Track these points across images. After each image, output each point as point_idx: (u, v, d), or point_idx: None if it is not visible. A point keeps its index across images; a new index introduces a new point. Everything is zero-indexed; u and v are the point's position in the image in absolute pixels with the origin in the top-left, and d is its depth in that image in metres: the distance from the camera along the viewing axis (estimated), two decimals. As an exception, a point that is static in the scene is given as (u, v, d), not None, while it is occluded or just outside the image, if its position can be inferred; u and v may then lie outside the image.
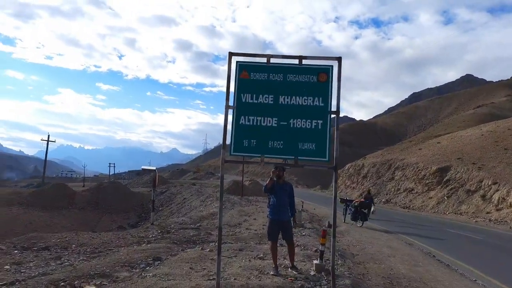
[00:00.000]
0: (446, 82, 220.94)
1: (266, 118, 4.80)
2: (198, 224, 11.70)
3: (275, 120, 4.80)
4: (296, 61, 4.86)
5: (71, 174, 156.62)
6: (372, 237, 12.32)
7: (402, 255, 9.38)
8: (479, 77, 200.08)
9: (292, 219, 6.21)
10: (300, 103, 4.81)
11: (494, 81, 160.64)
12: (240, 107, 4.83)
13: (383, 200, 36.42)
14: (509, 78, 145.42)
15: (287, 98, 4.83)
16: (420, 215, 27.28)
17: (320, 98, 4.79)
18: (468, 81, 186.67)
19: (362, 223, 15.26)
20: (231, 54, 4.74)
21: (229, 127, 4.78)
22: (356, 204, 15.53)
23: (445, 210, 28.58)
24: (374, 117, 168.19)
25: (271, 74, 4.85)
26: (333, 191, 4.58)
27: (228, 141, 4.78)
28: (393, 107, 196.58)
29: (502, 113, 78.50)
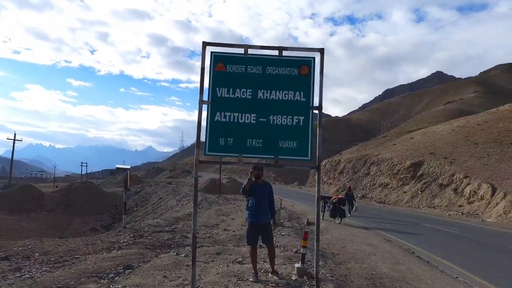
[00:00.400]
0: (418, 78, 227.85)
1: (244, 115, 4.43)
2: (173, 227, 11.19)
3: (254, 117, 4.43)
4: (275, 52, 4.51)
5: (41, 175, 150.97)
6: (351, 234, 12.21)
7: (382, 253, 9.26)
8: (449, 74, 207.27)
9: (272, 221, 5.86)
10: (281, 98, 4.46)
11: (463, 78, 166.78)
12: (216, 102, 4.43)
13: (359, 195, 36.85)
14: (477, 75, 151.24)
15: (267, 92, 4.47)
16: (395, 209, 27.73)
17: (302, 93, 4.46)
18: (438, 78, 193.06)
19: (341, 220, 15.18)
20: (205, 44, 4.32)
21: (203, 124, 4.36)
22: (334, 201, 15.43)
23: (419, 204, 29.21)
24: (348, 113, 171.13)
25: (249, 67, 4.48)
26: (316, 191, 4.27)
27: (202, 140, 4.38)
28: (367, 103, 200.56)
29: (470, 109, 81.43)
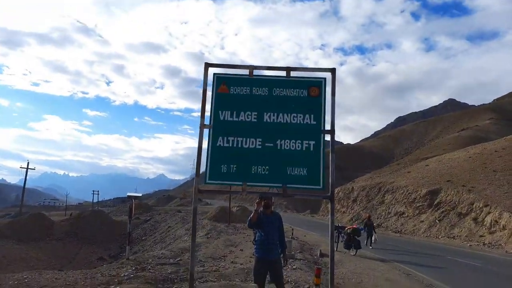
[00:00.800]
0: (430, 106, 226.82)
1: (248, 139, 4.08)
2: (179, 259, 10.66)
3: (259, 141, 4.07)
4: (283, 73, 4.20)
5: (54, 203, 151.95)
6: (368, 268, 11.45)
7: (402, 290, 8.53)
8: (462, 101, 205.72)
9: (282, 256, 5.33)
10: (289, 121, 4.11)
11: (477, 105, 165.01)
12: (218, 126, 4.10)
13: (374, 224, 35.59)
14: (491, 102, 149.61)
15: (273, 115, 4.13)
16: (413, 239, 26.58)
17: (312, 116, 4.11)
18: (451, 105, 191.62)
19: (356, 251, 14.38)
20: (207, 65, 4.05)
21: (205, 149, 4.01)
22: (348, 231, 14.68)
23: (438, 234, 27.96)
24: (361, 141, 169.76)
25: (254, 88, 4.17)
26: (329, 223, 3.81)
27: (203, 166, 4.01)
28: (379, 130, 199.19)
29: (486, 136, 79.72)
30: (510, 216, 23.06)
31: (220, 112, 4.14)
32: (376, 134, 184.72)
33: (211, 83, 4.14)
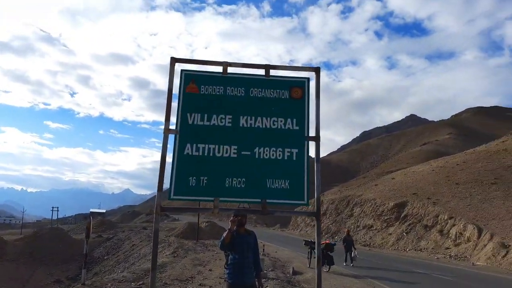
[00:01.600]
0: (393, 121, 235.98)
1: (222, 147, 3.50)
2: (141, 282, 9.72)
3: (235, 149, 3.51)
4: (262, 72, 3.68)
5: (10, 220, 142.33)
6: (342, 286, 11.00)
7: (381, 309, 8.10)
8: (422, 117, 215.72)
9: (257, 281, 4.68)
10: (268, 126, 3.58)
11: (436, 120, 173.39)
12: (186, 131, 3.50)
13: (343, 237, 35.63)
14: (449, 118, 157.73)
15: (251, 119, 3.59)
16: (382, 253, 26.68)
17: (294, 120, 3.60)
18: (412, 120, 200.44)
19: (329, 268, 13.93)
20: (174, 60, 3.46)
21: (170, 159, 3.38)
22: (322, 247, 14.20)
23: (405, 247, 28.27)
24: (328, 155, 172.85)
25: (228, 88, 3.62)
26: (315, 240, 3.27)
27: (168, 180, 3.37)
28: (345, 145, 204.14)
29: (446, 150, 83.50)
30: (474, 228, 23.65)
31: (188, 115, 3.54)
32: (343, 148, 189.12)
33: (179, 82, 3.56)
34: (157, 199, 3.19)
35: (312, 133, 3.58)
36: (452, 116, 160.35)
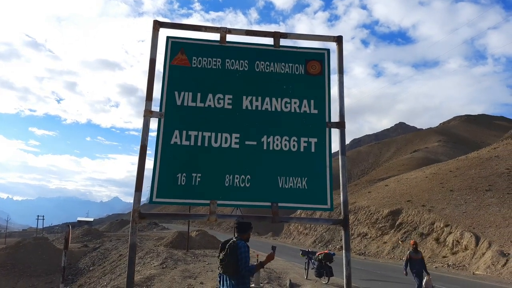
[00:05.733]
0: (382, 129, 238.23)
1: (220, 135, 2.71)
2: (124, 298, 8.79)
3: (236, 138, 2.72)
4: (270, 41, 2.91)
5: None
6: (344, 299, 10.15)
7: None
8: (411, 124, 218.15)
9: None
10: (279, 110, 2.81)
11: (424, 128, 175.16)
12: (173, 114, 2.70)
13: (337, 246, 34.94)
14: (437, 125, 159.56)
15: (256, 101, 2.81)
16: (378, 262, 26.01)
17: (312, 102, 2.84)
18: (401, 128, 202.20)
19: (328, 279, 13.12)
20: (157, 25, 2.68)
21: (152, 150, 2.58)
22: (320, 257, 13.42)
23: (401, 256, 27.64)
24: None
25: (228, 60, 2.84)
26: (343, 259, 2.49)
27: (149, 178, 2.56)
28: (335, 152, 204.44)
29: (436, 157, 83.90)
30: (471, 236, 23.16)
31: (176, 94, 2.75)
32: (333, 155, 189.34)
33: (164, 52, 2.78)
34: (134, 202, 2.36)
35: (335, 118, 2.82)
36: (440, 123, 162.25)
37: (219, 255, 3.92)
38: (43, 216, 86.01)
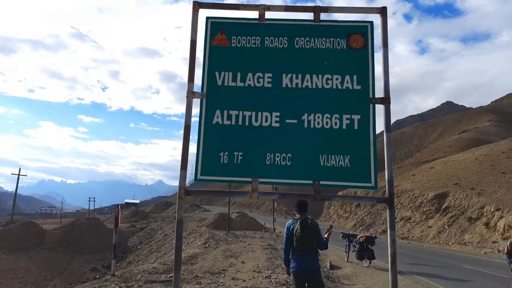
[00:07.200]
0: (427, 109, 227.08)
1: (260, 114, 2.73)
2: (171, 275, 9.24)
3: (276, 117, 2.73)
4: (310, 16, 2.85)
5: (51, 210, 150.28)
6: (386, 282, 10.01)
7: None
8: (459, 103, 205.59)
9: None
10: (320, 86, 2.76)
11: (474, 107, 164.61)
12: (214, 95, 2.75)
13: (379, 230, 34.30)
14: (489, 103, 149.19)
15: (296, 78, 2.78)
16: (422, 246, 25.27)
17: (355, 77, 2.77)
18: (448, 107, 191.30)
19: (370, 262, 12.97)
20: (197, 5, 2.70)
21: (195, 130, 2.64)
22: (361, 240, 13.26)
23: (448, 240, 26.63)
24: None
25: (267, 38, 2.82)
26: (388, 241, 2.45)
27: (193, 157, 2.65)
28: (378, 134, 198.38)
29: (487, 138, 78.81)
30: (525, 220, 21.83)
31: (216, 74, 2.79)
32: (377, 137, 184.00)
33: (204, 33, 2.81)
34: (180, 180, 2.46)
35: (379, 93, 2.73)
36: (492, 102, 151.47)
37: (300, 233, 4.40)
38: (94, 198, 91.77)
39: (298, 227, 4.45)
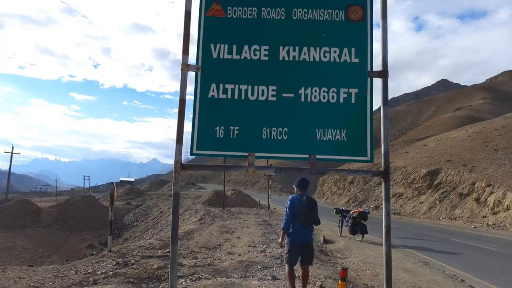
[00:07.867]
0: (423, 87, 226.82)
1: (256, 87, 2.69)
2: (167, 250, 9.38)
3: (273, 90, 2.70)
4: (307, -14, 2.77)
5: (46, 188, 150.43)
6: (379, 256, 10.29)
7: (427, 283, 7.38)
8: (454, 81, 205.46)
9: None
10: (317, 59, 2.72)
11: (469, 85, 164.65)
12: (210, 67, 2.70)
13: (371, 206, 34.94)
14: (484, 81, 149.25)
15: (294, 51, 2.73)
16: (413, 221, 25.85)
17: (353, 50, 2.72)
18: (443, 85, 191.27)
19: (362, 237, 13.26)
20: (191, -25, 2.60)
21: (190, 104, 2.61)
22: (354, 215, 13.51)
23: (438, 215, 27.26)
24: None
25: (264, 9, 2.75)
26: (383, 213, 2.47)
27: (188, 131, 2.62)
28: (374, 111, 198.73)
29: (480, 116, 79.37)
30: (515, 196, 22.28)
31: (212, 46, 2.73)
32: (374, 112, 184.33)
33: (199, 3, 2.72)
34: (176, 154, 2.45)
35: (377, 66, 2.69)
36: (487, 79, 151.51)
37: (307, 209, 4.92)
38: (88, 176, 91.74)
39: (305, 203, 4.94)
